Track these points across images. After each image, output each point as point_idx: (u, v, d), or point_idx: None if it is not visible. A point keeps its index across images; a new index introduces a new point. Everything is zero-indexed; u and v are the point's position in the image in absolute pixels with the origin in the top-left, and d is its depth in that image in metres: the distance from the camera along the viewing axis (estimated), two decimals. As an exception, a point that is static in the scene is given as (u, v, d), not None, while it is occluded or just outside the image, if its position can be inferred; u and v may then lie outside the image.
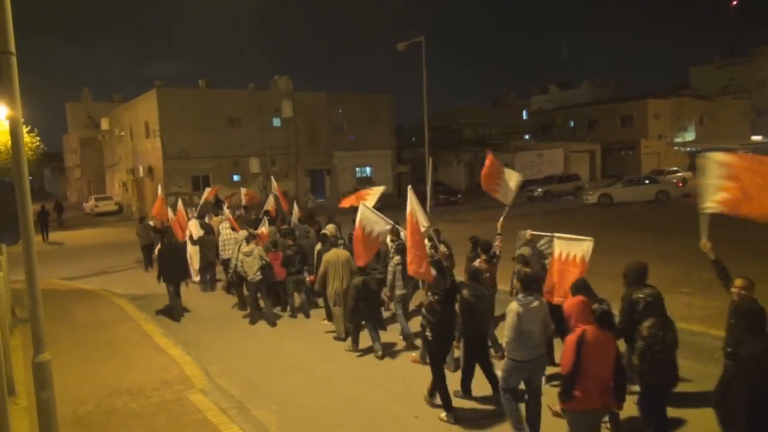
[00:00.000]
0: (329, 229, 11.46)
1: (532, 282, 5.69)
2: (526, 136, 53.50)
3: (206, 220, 14.99)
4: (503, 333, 5.65)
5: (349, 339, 8.54)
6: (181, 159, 32.00)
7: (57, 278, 15.50)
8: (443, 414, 6.16)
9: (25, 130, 16.42)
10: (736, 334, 4.71)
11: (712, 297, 9.26)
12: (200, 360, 8.22)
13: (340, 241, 10.68)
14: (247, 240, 10.48)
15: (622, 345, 5.46)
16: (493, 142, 46.46)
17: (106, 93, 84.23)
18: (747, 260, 10.50)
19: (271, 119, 34.99)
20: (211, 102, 33.17)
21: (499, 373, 5.95)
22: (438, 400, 6.36)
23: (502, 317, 6.04)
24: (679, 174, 33.61)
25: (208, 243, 12.93)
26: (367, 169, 39.27)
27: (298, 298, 10.77)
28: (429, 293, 6.88)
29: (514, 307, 5.40)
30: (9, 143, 7.26)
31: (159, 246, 12.48)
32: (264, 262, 10.14)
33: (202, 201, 18.51)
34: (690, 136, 50.51)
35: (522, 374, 5.55)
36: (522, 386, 5.66)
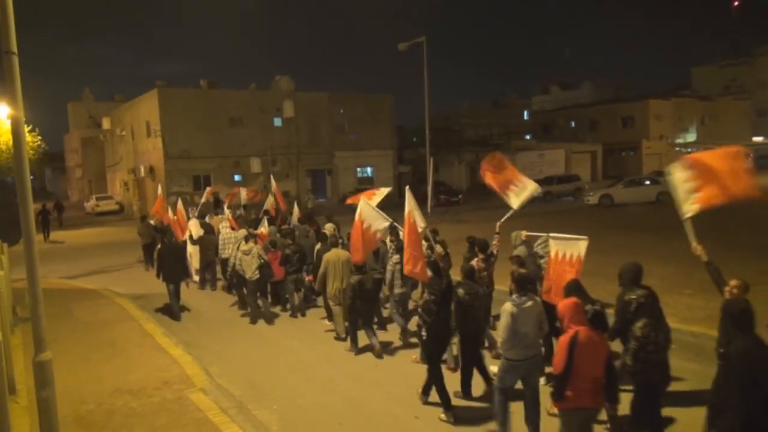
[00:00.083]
0: (327, 228, 11.47)
1: (527, 282, 5.74)
2: (528, 137, 53.42)
3: (206, 219, 15.03)
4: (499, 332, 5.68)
5: (349, 339, 8.56)
6: (182, 159, 32.05)
7: (58, 277, 15.53)
8: (443, 414, 6.17)
9: (26, 129, 16.45)
10: (727, 334, 4.72)
11: (713, 298, 9.15)
12: (201, 360, 8.23)
13: (340, 241, 10.70)
14: (246, 239, 10.50)
15: (620, 346, 5.48)
16: (494, 142, 46.45)
17: (108, 93, 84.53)
18: (747, 260, 10.52)
19: (272, 119, 35.03)
20: (212, 102, 33.22)
21: (494, 368, 5.95)
22: (432, 398, 6.39)
23: (499, 317, 6.07)
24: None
25: (208, 243, 12.95)
26: (369, 169, 39.28)
27: (297, 298, 10.80)
28: (425, 293, 6.90)
29: (507, 307, 5.43)
30: (11, 143, 7.28)
31: (159, 245, 12.49)
32: (262, 261, 10.16)
33: (202, 200, 18.55)
34: (691, 136, 50.50)
35: (518, 373, 5.58)
36: (519, 385, 5.67)
